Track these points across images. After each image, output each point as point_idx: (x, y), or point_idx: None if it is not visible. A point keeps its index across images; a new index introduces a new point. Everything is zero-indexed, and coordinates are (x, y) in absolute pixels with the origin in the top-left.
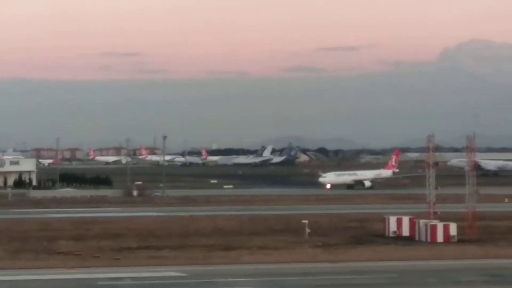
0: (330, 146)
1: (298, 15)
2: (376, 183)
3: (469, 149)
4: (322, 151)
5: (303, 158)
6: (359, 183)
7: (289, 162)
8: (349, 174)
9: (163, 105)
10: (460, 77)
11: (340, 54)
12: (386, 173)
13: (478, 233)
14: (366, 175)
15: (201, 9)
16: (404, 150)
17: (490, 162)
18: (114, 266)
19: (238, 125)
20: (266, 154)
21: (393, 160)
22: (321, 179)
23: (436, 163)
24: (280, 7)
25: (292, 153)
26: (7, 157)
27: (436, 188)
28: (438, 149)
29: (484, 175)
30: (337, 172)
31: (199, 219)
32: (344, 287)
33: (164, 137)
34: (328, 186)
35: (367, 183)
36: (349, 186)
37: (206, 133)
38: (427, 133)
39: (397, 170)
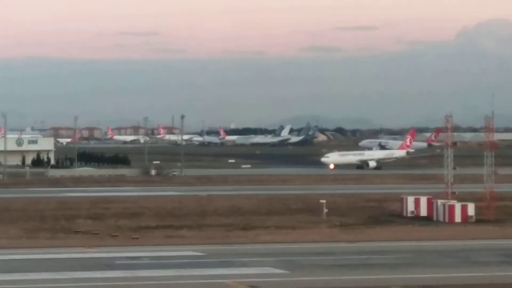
0: (348, 126)
1: (319, 7)
2: (389, 163)
3: (488, 129)
4: (340, 131)
5: (321, 137)
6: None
7: (307, 141)
8: (354, 154)
9: (181, 85)
10: (478, 57)
11: (357, 34)
12: (398, 153)
13: (496, 213)
14: (375, 155)
15: None
16: (422, 130)
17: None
18: (132, 245)
19: (256, 105)
20: (284, 133)
21: (407, 140)
22: (323, 159)
23: (454, 143)
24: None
25: (310, 132)
26: (26, 136)
27: (454, 168)
28: (456, 129)
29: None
30: (341, 152)
31: (217, 199)
32: (362, 267)
33: (182, 117)
34: (332, 166)
35: (372, 163)
36: (358, 166)
37: (224, 112)
38: (445, 113)
39: (412, 150)
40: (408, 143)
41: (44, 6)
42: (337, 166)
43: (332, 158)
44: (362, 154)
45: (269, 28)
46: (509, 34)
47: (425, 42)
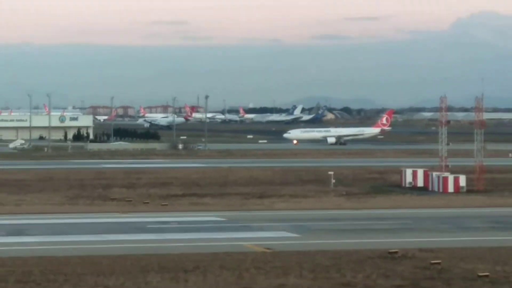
0: (354, 106)
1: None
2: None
3: (477, 109)
4: (346, 110)
5: (330, 116)
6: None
7: (317, 120)
8: (318, 131)
9: (206, 69)
10: (470, 44)
11: (363, 23)
12: (370, 130)
13: (485, 184)
14: (343, 132)
15: None
16: (419, 110)
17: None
18: (161, 211)
19: (272, 87)
20: (297, 112)
21: (383, 119)
22: (285, 135)
23: (448, 122)
24: None
25: (320, 111)
26: (67, 114)
27: (448, 144)
28: (449, 109)
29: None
30: (303, 129)
31: (236, 170)
32: (365, 232)
33: (206, 97)
34: (295, 142)
35: (330, 140)
36: (336, 142)
37: (243, 93)
38: (440, 95)
39: (388, 128)
40: (384, 122)
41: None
42: (299, 141)
43: (294, 134)
44: (328, 131)
45: (284, 19)
46: (498, 25)
47: (423, 32)
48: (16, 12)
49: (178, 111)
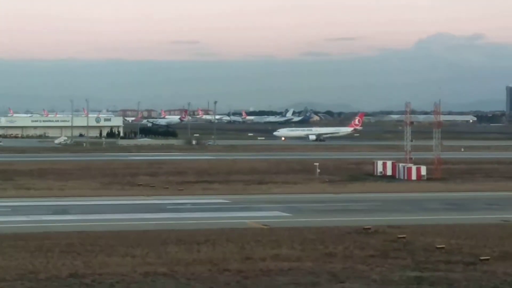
0: (335, 109)
1: (312, 16)
2: (337, 136)
3: (436, 112)
4: (328, 113)
5: (315, 118)
6: (318, 137)
7: (305, 121)
8: (302, 130)
9: (214, 79)
10: (429, 59)
11: (341, 42)
12: (345, 130)
13: (442, 173)
14: (322, 131)
15: (244, 13)
16: (388, 113)
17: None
18: (178, 194)
19: (268, 93)
20: (289, 115)
21: (356, 120)
22: (275, 133)
23: (412, 122)
24: (299, 13)
25: (307, 114)
26: (102, 115)
27: (411, 141)
28: (412, 112)
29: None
30: (289, 128)
31: (239, 162)
32: (344, 212)
33: (215, 102)
34: (283, 138)
35: (311, 137)
36: (316, 139)
37: (245, 99)
38: (405, 101)
39: (360, 128)
40: (356, 122)
41: (120, 21)
42: (286, 138)
43: (282, 133)
44: (310, 130)
45: (278, 39)
46: (451, 43)
47: (391, 49)
48: (64, 32)
49: (192, 114)
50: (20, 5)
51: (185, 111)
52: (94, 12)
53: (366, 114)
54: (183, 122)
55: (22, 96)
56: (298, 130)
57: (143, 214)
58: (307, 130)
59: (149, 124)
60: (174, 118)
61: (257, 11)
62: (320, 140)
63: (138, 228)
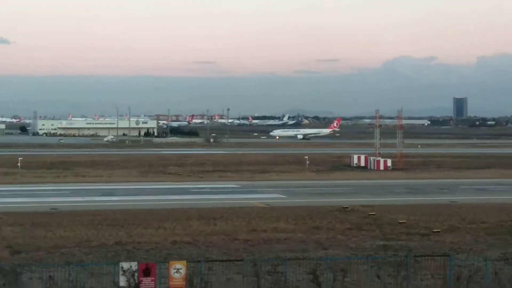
0: (321, 115)
1: (305, 41)
2: (320, 136)
3: (399, 117)
4: (316, 117)
5: (306, 121)
6: (304, 137)
7: (298, 124)
8: (293, 131)
9: (228, 92)
10: (394, 76)
11: (327, 63)
12: (326, 131)
13: (403, 164)
14: (308, 132)
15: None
16: (362, 117)
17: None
18: (199, 181)
19: (269, 102)
20: (285, 119)
21: (334, 123)
22: (271, 133)
23: (380, 125)
24: (295, 38)
25: (299, 118)
26: (140, 119)
27: (380, 139)
28: (381, 117)
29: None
30: (282, 130)
31: (247, 155)
32: (327, 194)
33: (228, 109)
34: (277, 137)
35: (299, 136)
36: (303, 138)
37: (251, 107)
38: (375, 108)
39: (338, 129)
40: (335, 125)
41: (147, 43)
42: (280, 137)
43: (277, 133)
44: (298, 131)
45: (278, 59)
46: (411, 64)
47: (366, 68)
48: (108, 54)
49: (210, 118)
50: (66, 27)
51: (192, 116)
52: (129, 35)
53: (344, 119)
54: (190, 125)
55: (78, 104)
56: (289, 131)
57: (172, 195)
58: (296, 131)
59: (165, 126)
60: (183, 122)
61: (260, 39)
62: (306, 139)
63: (167, 207)
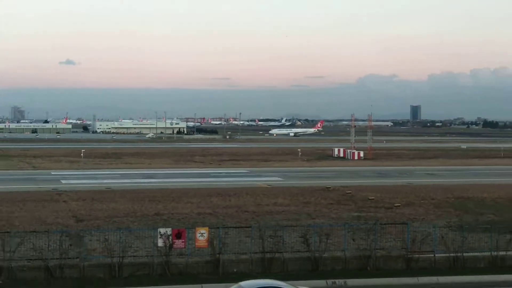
0: (310, 118)
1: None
2: (306, 135)
3: (369, 120)
4: (306, 120)
5: (298, 123)
6: (295, 134)
7: (293, 125)
8: (286, 130)
9: (239, 101)
10: (366, 89)
11: (315, 79)
12: (311, 130)
13: (372, 155)
14: (297, 131)
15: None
16: (341, 120)
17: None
18: (218, 167)
19: (271, 109)
20: (283, 121)
21: (318, 125)
22: (270, 132)
23: (355, 126)
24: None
25: (294, 121)
26: (174, 121)
27: (355, 137)
28: (355, 120)
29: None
30: (278, 129)
31: (254, 148)
32: (315, 177)
33: (240, 113)
34: (274, 135)
35: (291, 134)
36: (294, 135)
37: (257, 112)
38: (351, 113)
39: (321, 129)
40: (318, 126)
41: (179, 63)
42: (277, 135)
43: (274, 131)
44: (291, 130)
45: (278, 76)
46: (378, 81)
47: (344, 83)
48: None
49: (227, 121)
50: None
51: (203, 119)
52: (164, 59)
53: (327, 121)
54: (202, 125)
55: (127, 109)
56: (283, 130)
57: (197, 178)
58: (289, 130)
59: (191, 126)
60: (196, 123)
61: (264, 61)
62: (297, 136)
63: (194, 187)
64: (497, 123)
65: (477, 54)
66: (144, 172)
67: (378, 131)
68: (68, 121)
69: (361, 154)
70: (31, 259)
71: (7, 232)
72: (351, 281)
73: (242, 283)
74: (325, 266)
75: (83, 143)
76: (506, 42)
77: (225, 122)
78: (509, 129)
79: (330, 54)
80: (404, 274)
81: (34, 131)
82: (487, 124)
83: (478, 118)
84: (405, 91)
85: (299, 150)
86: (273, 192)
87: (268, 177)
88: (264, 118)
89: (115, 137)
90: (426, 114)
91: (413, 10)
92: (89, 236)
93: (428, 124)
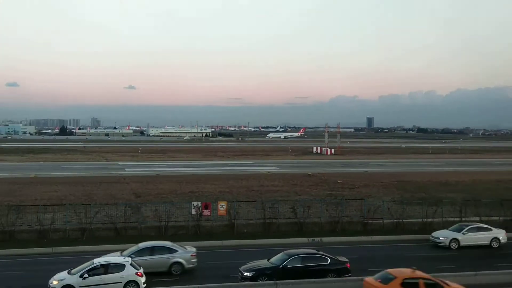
0: (298, 126)
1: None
2: (293, 137)
3: (338, 127)
4: (295, 127)
5: (289, 129)
6: (285, 137)
7: (285, 131)
8: (279, 134)
9: (246, 114)
10: (336, 107)
11: (301, 99)
12: (296, 134)
13: (340, 152)
14: (287, 134)
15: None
16: (318, 127)
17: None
18: (232, 160)
19: (270, 120)
20: (278, 128)
21: (301, 131)
22: (267, 136)
23: (328, 131)
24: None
25: (285, 128)
26: (203, 128)
27: (328, 139)
28: (329, 127)
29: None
30: (273, 134)
31: (257, 147)
32: (301, 167)
33: (248, 123)
34: (270, 138)
35: (282, 137)
36: (284, 138)
37: (261, 121)
38: (325, 122)
39: (303, 133)
40: (301, 131)
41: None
42: (272, 138)
43: (270, 135)
44: (282, 134)
45: (275, 96)
46: (344, 100)
47: (320, 102)
48: (181, 90)
49: (239, 127)
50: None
51: (222, 126)
52: (190, 83)
53: (308, 127)
54: (222, 131)
55: (170, 120)
56: (277, 134)
57: (219, 167)
58: (280, 134)
59: (215, 131)
60: (218, 129)
61: (266, 85)
62: (286, 138)
63: (216, 173)
64: (427, 129)
65: (413, 81)
66: (183, 163)
67: (344, 135)
68: (130, 128)
69: (332, 151)
70: (104, 223)
71: (88, 204)
72: (325, 239)
73: (140, 244)
74: (307, 228)
75: (141, 143)
76: (433, 72)
77: (238, 129)
78: (435, 133)
79: (311, 80)
80: (362, 233)
81: (107, 134)
82: (420, 130)
83: (414, 126)
84: (363, 107)
85: (289, 148)
86: (271, 177)
87: (268, 167)
88: (265, 126)
89: (163, 139)
90: (377, 123)
91: (367, 49)
92: (144, 207)
93: (379, 130)
